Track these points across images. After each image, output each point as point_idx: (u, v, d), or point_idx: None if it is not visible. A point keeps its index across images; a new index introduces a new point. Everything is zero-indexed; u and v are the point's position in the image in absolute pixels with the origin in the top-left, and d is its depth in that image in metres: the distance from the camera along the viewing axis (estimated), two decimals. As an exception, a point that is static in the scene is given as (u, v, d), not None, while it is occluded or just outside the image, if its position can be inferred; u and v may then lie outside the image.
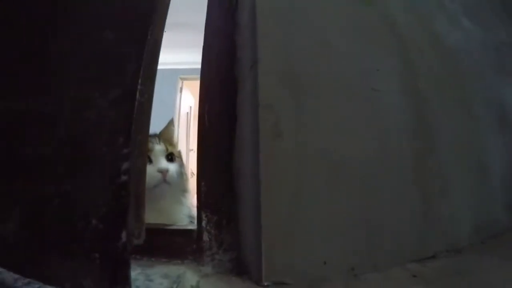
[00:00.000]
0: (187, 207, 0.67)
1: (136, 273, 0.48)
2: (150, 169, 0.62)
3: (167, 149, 0.68)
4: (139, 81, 0.30)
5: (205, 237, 0.53)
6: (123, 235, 0.26)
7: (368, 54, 0.61)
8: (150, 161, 0.64)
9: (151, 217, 0.61)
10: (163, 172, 0.64)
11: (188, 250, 0.53)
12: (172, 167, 0.66)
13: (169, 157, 0.68)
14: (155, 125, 0.75)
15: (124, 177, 0.27)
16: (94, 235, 0.28)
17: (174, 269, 0.50)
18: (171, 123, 0.75)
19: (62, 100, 0.36)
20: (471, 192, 0.66)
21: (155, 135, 0.69)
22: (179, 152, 0.73)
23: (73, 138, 0.34)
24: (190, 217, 0.65)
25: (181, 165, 0.71)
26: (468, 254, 0.59)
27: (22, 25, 0.47)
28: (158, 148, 0.66)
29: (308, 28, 0.58)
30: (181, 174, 0.69)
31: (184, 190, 0.70)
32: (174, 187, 0.66)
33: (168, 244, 0.55)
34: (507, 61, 0.85)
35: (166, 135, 0.71)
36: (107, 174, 0.29)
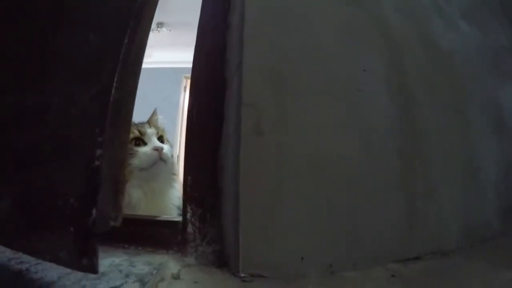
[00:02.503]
0: (177, 197, 0.71)
1: (121, 259, 0.51)
2: (146, 149, 0.71)
3: (157, 132, 0.76)
4: (115, 79, 0.33)
5: (190, 229, 0.55)
6: (94, 212, 0.29)
7: (356, 54, 0.61)
8: (145, 144, 0.72)
9: (146, 197, 0.67)
10: (159, 149, 0.71)
11: (173, 241, 0.56)
12: (165, 146, 0.73)
13: (160, 139, 0.76)
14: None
15: (97, 162, 0.30)
16: (71, 212, 0.31)
17: (158, 258, 0.53)
18: (155, 112, 0.84)
19: (53, 95, 0.40)
20: (460, 195, 0.65)
21: (144, 122, 0.78)
22: (167, 139, 0.81)
23: (59, 129, 0.38)
24: (179, 209, 0.67)
25: (171, 146, 0.79)
26: (454, 257, 0.58)
27: (24, 26, 0.51)
28: (150, 131, 0.74)
29: (295, 29, 0.59)
30: (172, 156, 0.76)
31: (175, 174, 0.77)
32: (169, 166, 0.73)
33: (155, 235, 0.57)
34: (505, 64, 0.83)
35: (153, 122, 0.80)
36: (84, 160, 0.32)
